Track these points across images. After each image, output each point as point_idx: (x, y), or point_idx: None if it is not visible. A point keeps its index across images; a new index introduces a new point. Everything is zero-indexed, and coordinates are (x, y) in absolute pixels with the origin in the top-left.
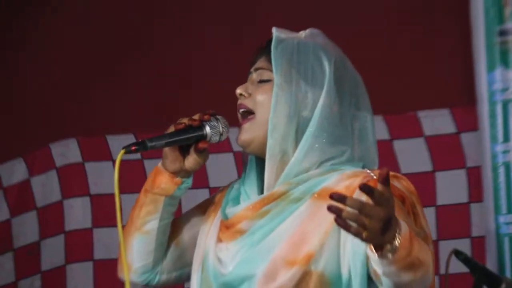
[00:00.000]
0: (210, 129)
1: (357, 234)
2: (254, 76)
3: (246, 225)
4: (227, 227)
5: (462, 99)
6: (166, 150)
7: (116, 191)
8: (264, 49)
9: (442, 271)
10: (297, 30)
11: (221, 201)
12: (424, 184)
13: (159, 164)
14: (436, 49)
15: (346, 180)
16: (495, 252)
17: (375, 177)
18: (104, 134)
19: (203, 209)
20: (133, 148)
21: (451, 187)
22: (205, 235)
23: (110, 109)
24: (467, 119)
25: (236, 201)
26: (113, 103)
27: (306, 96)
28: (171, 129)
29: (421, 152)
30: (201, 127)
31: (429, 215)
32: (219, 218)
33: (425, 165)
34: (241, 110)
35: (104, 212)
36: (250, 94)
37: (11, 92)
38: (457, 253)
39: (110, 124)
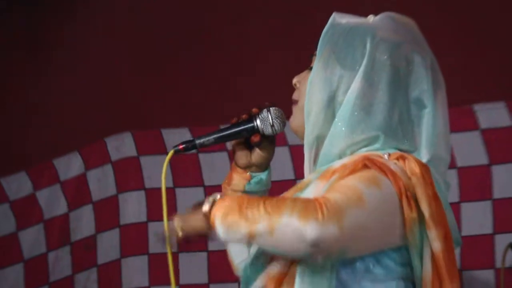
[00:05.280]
0: (260, 121)
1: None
2: (312, 63)
3: None
4: None
5: None
6: (234, 146)
7: (163, 191)
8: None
9: (499, 264)
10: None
11: None
12: (481, 177)
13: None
14: (491, 42)
15: (351, 159)
16: None
17: (386, 157)
18: (159, 128)
19: None
20: (181, 147)
21: (508, 180)
22: None
23: (165, 103)
24: None
25: None
26: (168, 97)
27: (341, 81)
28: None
29: (477, 146)
30: (251, 120)
31: (485, 208)
32: None
33: (481, 159)
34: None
35: (159, 206)
36: (300, 83)
37: (65, 86)
38: None
39: (165, 118)
